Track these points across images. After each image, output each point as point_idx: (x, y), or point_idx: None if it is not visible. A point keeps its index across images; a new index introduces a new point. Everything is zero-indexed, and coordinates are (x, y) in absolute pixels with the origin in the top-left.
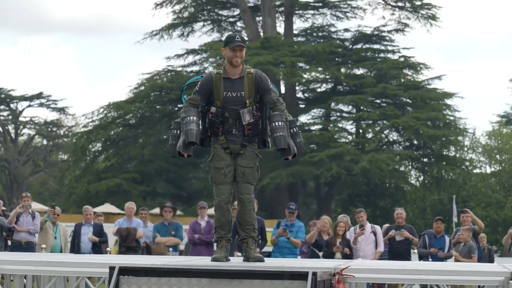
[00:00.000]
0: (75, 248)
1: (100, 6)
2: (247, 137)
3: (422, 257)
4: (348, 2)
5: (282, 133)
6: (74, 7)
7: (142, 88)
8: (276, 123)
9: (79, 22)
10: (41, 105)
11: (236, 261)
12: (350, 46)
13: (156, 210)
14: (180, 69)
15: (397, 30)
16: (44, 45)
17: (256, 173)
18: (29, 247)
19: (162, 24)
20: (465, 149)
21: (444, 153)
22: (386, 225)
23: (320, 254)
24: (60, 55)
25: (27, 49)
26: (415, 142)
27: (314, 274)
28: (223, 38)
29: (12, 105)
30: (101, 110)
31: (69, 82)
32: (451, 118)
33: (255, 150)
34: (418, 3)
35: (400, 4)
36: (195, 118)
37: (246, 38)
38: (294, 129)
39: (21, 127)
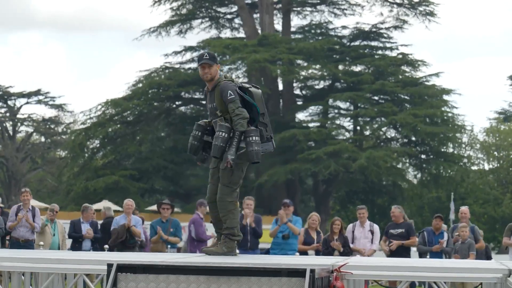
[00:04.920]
0: (76, 245)
1: (84, 1)
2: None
3: (421, 254)
4: None
5: (216, 142)
6: (59, 2)
7: (140, 85)
8: (217, 132)
9: (65, 17)
10: (39, 102)
11: (234, 258)
12: (348, 43)
13: (154, 207)
14: (177, 66)
15: (395, 27)
16: (33, 42)
17: (227, 176)
18: (26, 245)
19: (150, 19)
20: (463, 146)
21: (442, 150)
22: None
23: (310, 252)
24: (50, 51)
25: (16, 46)
26: (413, 139)
27: (312, 271)
28: (221, 35)
29: (9, 102)
30: (99, 107)
31: (62, 79)
32: (449, 115)
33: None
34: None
35: (398, 0)
36: (197, 132)
37: (243, 36)
38: (250, 138)
39: (19, 124)
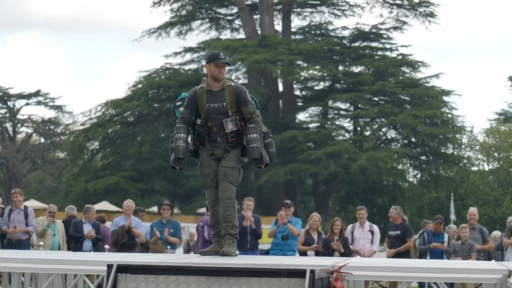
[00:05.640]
0: (77, 245)
1: (81, 2)
2: (231, 145)
3: (421, 255)
4: (346, 0)
5: (256, 144)
6: (57, 3)
7: (140, 86)
8: (251, 135)
9: (63, 18)
10: (38, 103)
11: (233, 259)
12: (348, 44)
13: (154, 208)
14: (178, 67)
15: (395, 28)
16: (31, 43)
17: (237, 174)
18: (19, 244)
19: (149, 20)
20: (463, 146)
21: (442, 151)
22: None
23: (310, 253)
24: (49, 52)
25: (15, 48)
26: (413, 140)
27: (312, 271)
28: (221, 36)
29: (9, 103)
30: (99, 108)
31: (61, 79)
32: (449, 116)
33: (238, 154)
34: (416, 0)
35: (398, 1)
36: (183, 135)
37: (243, 37)
38: (268, 139)
39: (19, 125)
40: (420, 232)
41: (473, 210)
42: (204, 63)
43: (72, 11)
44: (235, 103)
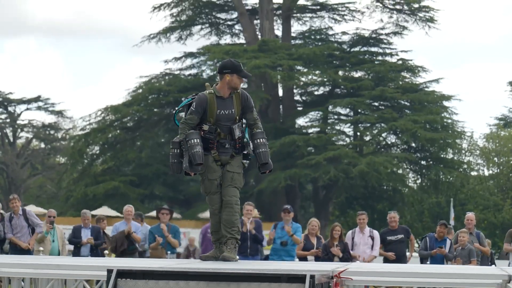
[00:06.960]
0: (76, 251)
1: (78, 6)
2: (237, 150)
3: (422, 259)
4: (346, 5)
5: (264, 149)
6: (53, 8)
7: (140, 91)
8: (259, 140)
9: (60, 23)
10: (39, 108)
11: (234, 264)
12: (348, 49)
13: (153, 213)
14: (177, 72)
15: (395, 33)
16: (28, 48)
17: (242, 179)
18: (23, 250)
19: (147, 25)
20: (463, 151)
21: (442, 155)
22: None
23: (309, 258)
24: (47, 57)
25: (12, 52)
26: (413, 145)
27: (312, 277)
28: (221, 42)
29: (10, 108)
30: (99, 113)
31: (59, 84)
32: (449, 121)
33: (241, 159)
34: (416, 6)
35: (398, 7)
36: (198, 140)
37: (244, 42)
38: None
39: (19, 130)
40: (423, 236)
41: (470, 215)
42: (203, 68)
43: (68, 16)
44: (241, 109)
